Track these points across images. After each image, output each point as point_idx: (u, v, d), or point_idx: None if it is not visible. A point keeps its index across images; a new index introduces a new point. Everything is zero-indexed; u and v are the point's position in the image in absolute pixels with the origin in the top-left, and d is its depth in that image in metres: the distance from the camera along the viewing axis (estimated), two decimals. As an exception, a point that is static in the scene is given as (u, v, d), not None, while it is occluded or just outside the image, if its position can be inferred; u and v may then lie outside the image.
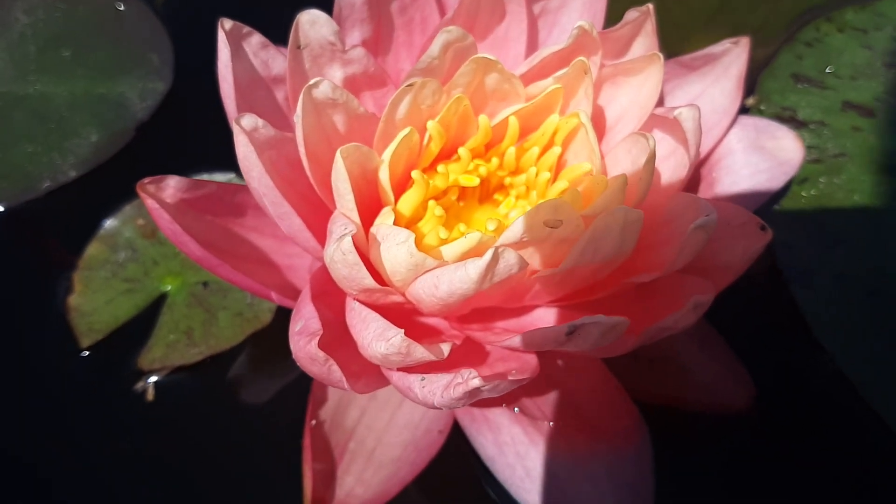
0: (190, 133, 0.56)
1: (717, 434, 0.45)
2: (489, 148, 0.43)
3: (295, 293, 0.41)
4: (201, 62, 0.56)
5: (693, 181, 0.46)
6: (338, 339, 0.36)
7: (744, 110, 0.57)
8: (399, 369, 0.35)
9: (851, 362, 0.46)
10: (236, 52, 0.39)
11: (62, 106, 0.57)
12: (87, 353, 0.47)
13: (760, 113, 0.56)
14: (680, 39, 0.64)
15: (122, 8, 0.62)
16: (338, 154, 0.36)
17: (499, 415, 0.40)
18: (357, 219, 0.36)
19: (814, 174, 0.53)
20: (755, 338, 0.48)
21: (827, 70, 0.58)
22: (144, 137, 0.56)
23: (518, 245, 0.34)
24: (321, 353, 0.33)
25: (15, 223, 0.52)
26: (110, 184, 0.53)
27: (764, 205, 0.48)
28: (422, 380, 0.34)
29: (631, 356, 0.44)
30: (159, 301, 0.48)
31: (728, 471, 0.44)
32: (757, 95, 0.58)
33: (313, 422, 0.41)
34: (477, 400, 0.35)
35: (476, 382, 0.31)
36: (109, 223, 0.50)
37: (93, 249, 0.50)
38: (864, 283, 0.49)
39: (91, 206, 0.51)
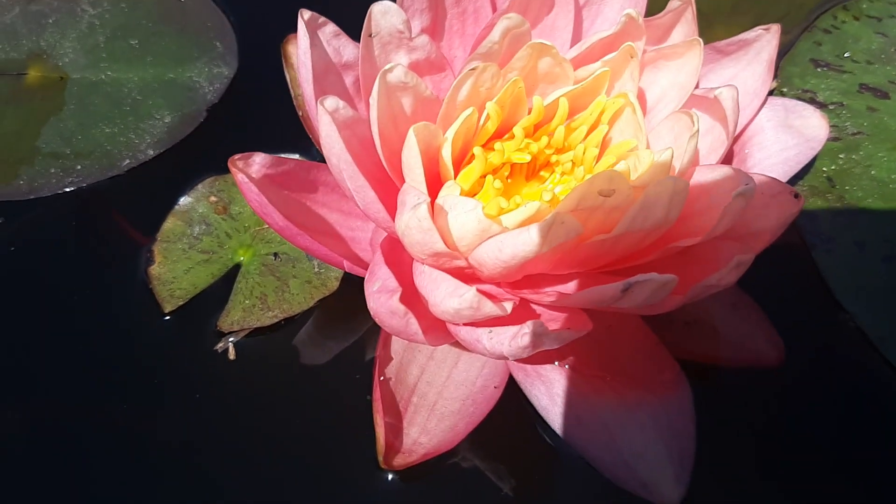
0: (257, 114, 0.60)
1: (749, 387, 0.48)
2: (538, 127, 0.46)
3: (358, 262, 0.44)
4: (261, 47, 0.60)
5: (726, 157, 0.49)
6: (405, 299, 0.40)
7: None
8: (466, 324, 0.39)
9: (869, 321, 0.50)
10: (313, 40, 0.43)
11: (134, 90, 0.61)
12: (169, 317, 0.50)
13: (782, 95, 0.60)
14: (705, 28, 0.66)
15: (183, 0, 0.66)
16: (410, 132, 0.39)
17: (550, 370, 0.43)
18: (425, 190, 0.40)
19: (834, 151, 0.57)
20: (781, 300, 0.51)
21: (844, 55, 0.62)
22: (215, 118, 0.60)
23: (574, 213, 0.38)
24: (402, 307, 0.36)
25: (99, 199, 0.56)
26: (186, 161, 0.57)
27: (789, 179, 0.51)
28: (490, 332, 0.37)
29: (667, 319, 0.48)
30: (234, 271, 0.52)
31: (758, 420, 0.48)
32: (779, 79, 0.61)
33: (381, 377, 0.44)
34: (535, 353, 0.39)
35: (540, 331, 0.35)
36: (184, 200, 0.54)
37: (170, 223, 0.53)
38: (880, 249, 0.53)
39: (170, 183, 0.55)
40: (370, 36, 0.43)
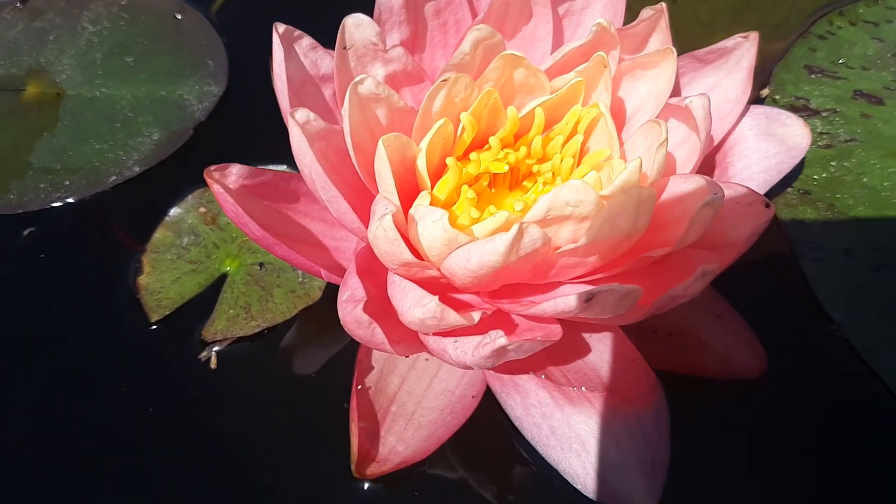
0: (243, 132, 0.60)
1: (731, 398, 0.48)
2: (518, 137, 0.46)
3: (341, 271, 0.44)
4: (251, 67, 0.61)
5: (709, 166, 0.49)
6: (381, 309, 0.40)
7: (759, 101, 0.60)
8: (435, 334, 0.39)
9: (856, 331, 0.50)
10: (289, 53, 0.43)
11: (126, 107, 0.62)
12: (156, 326, 0.51)
13: (775, 102, 0.60)
14: (705, 37, 0.67)
15: (180, 17, 0.68)
16: (380, 143, 0.40)
17: (526, 380, 0.43)
18: (397, 201, 0.40)
19: (825, 159, 0.57)
20: (767, 310, 0.50)
21: (839, 61, 0.61)
22: (201, 136, 0.61)
23: (542, 222, 0.38)
24: (366, 317, 0.37)
25: (86, 213, 0.57)
26: (171, 178, 0.58)
27: (777, 186, 0.51)
28: (455, 342, 0.37)
29: (650, 330, 0.48)
30: (220, 280, 0.53)
31: (741, 432, 0.47)
32: (772, 86, 0.61)
33: (359, 387, 0.44)
34: (505, 362, 0.39)
35: (502, 341, 0.35)
36: (174, 211, 0.55)
37: (159, 234, 0.54)
38: (869, 258, 0.52)
39: (154, 198, 0.56)
40: (345, 48, 0.43)
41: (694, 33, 0.67)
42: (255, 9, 0.70)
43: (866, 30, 0.63)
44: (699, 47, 0.49)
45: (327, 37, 0.45)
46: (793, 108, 0.59)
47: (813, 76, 0.61)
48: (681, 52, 0.50)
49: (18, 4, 0.68)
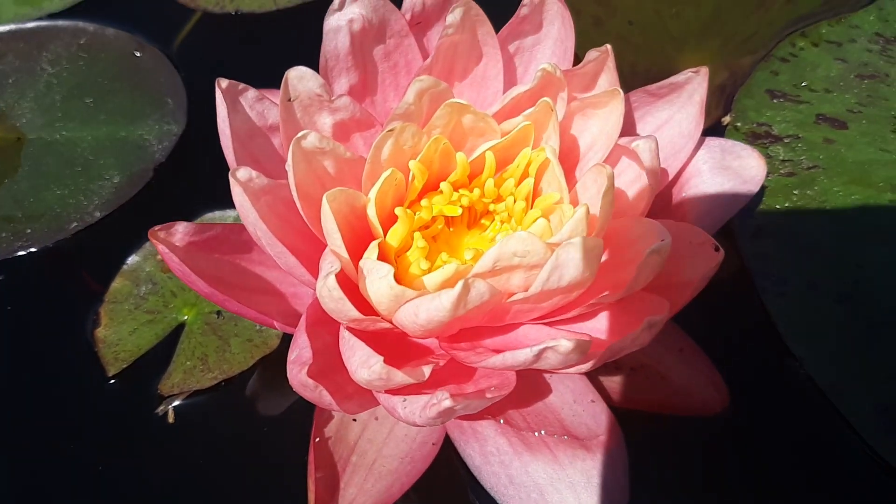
0: (203, 171, 0.60)
1: (692, 436, 0.47)
2: (472, 178, 0.46)
3: (298, 319, 0.44)
4: (211, 103, 0.60)
5: (665, 201, 0.49)
6: (337, 360, 0.40)
7: (720, 128, 0.60)
8: (386, 391, 0.39)
9: (820, 367, 0.48)
10: (233, 107, 0.43)
11: (87, 150, 0.62)
12: (114, 380, 0.50)
13: (736, 130, 0.59)
14: (676, 51, 0.66)
15: (139, 55, 0.67)
16: (324, 199, 0.39)
17: (485, 426, 0.43)
18: (346, 255, 0.40)
19: (788, 187, 0.55)
20: (730, 345, 0.50)
21: (802, 84, 0.61)
22: (162, 177, 0.61)
23: (490, 273, 0.38)
24: (311, 381, 0.36)
25: (48, 262, 0.56)
26: (132, 222, 0.57)
27: (738, 218, 0.51)
28: (403, 401, 0.37)
29: (614, 365, 0.48)
30: (178, 330, 0.52)
31: (703, 470, 0.47)
32: (733, 113, 0.60)
33: (317, 439, 0.44)
34: (459, 415, 0.38)
35: (447, 403, 0.35)
36: (132, 259, 0.54)
37: (117, 284, 0.54)
38: (834, 290, 0.51)
39: (116, 244, 0.55)
40: (289, 100, 0.43)
41: (665, 48, 0.67)
42: (213, 42, 0.70)
43: (829, 50, 0.62)
44: (670, 62, 0.49)
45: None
46: (755, 135, 0.58)
47: (775, 101, 0.60)
48: (652, 68, 0.49)
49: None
